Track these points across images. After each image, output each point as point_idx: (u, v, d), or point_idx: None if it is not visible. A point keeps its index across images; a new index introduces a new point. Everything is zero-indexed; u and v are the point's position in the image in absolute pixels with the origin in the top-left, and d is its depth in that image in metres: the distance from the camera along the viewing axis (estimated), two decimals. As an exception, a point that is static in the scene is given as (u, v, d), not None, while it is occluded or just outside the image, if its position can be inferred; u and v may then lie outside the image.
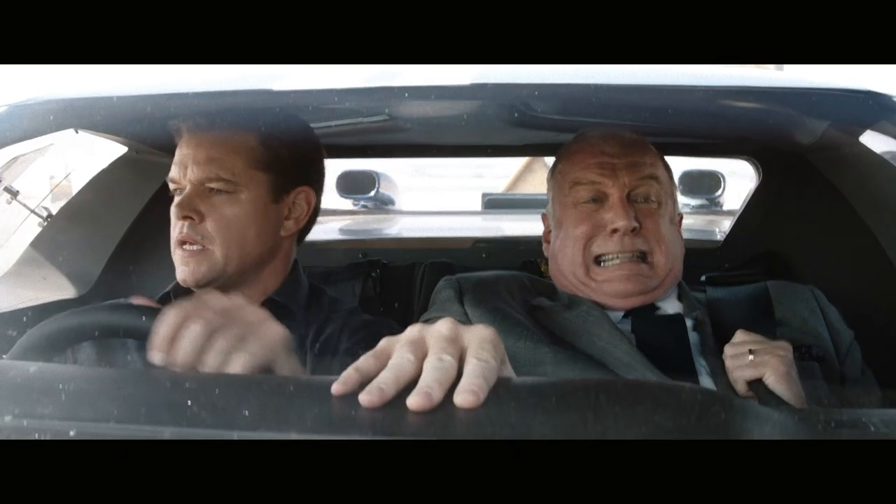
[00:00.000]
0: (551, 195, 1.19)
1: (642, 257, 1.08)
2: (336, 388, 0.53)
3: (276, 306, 1.09)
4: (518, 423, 0.49)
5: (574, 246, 1.11)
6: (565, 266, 1.13)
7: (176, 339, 0.72)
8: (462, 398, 0.51)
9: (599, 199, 1.10)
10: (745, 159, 1.70)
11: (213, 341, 0.72)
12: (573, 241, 1.11)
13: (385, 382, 0.52)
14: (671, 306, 1.12)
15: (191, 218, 1.06)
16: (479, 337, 0.56)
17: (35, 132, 1.13)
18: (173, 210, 1.08)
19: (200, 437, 0.48)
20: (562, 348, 1.04)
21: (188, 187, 1.08)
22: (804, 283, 1.40)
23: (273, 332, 0.76)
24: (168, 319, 0.73)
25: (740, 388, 0.94)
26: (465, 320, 1.09)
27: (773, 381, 0.90)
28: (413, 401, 0.50)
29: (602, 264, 1.09)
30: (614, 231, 1.07)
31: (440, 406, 0.52)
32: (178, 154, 1.09)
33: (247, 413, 0.51)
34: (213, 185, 1.07)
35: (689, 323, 1.09)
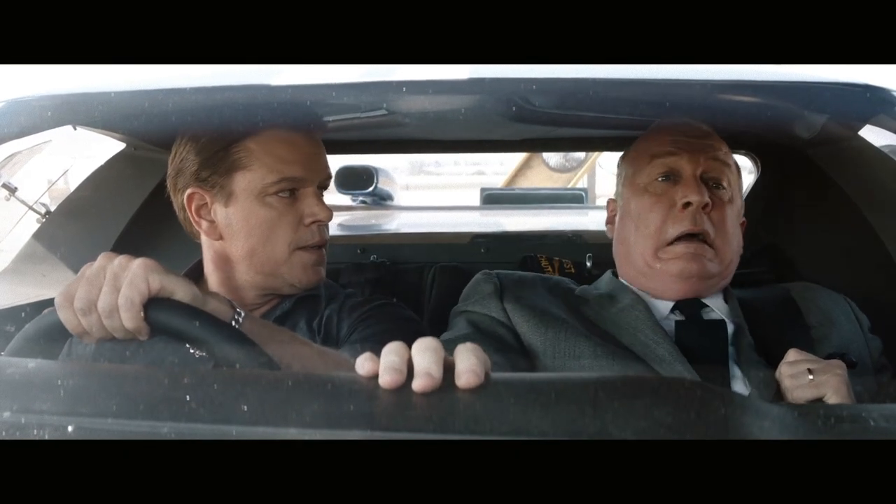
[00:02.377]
0: (622, 177, 1.19)
1: (709, 241, 1.08)
2: (387, 380, 0.55)
3: (307, 300, 1.12)
4: (517, 419, 0.49)
5: (647, 227, 1.10)
6: (633, 247, 1.13)
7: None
8: (465, 379, 0.53)
9: (672, 177, 1.10)
10: (744, 154, 1.70)
11: (99, 306, 0.78)
12: (646, 222, 1.11)
13: (429, 367, 0.55)
14: (717, 307, 1.12)
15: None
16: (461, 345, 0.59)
17: (32, 128, 1.12)
18: (318, 213, 1.09)
19: (199, 432, 0.48)
20: (602, 341, 1.05)
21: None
22: (804, 277, 1.41)
23: (138, 267, 0.79)
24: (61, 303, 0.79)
25: None
26: (503, 316, 1.10)
27: (834, 402, 0.89)
28: (417, 383, 0.53)
29: (671, 245, 1.08)
30: (686, 205, 1.07)
31: (439, 401, 0.52)
32: (298, 152, 1.08)
33: (245, 408, 0.51)
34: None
35: (731, 328, 1.08)
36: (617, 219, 1.19)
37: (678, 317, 1.10)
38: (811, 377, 0.90)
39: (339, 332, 1.08)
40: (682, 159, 1.10)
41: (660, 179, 1.11)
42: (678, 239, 1.08)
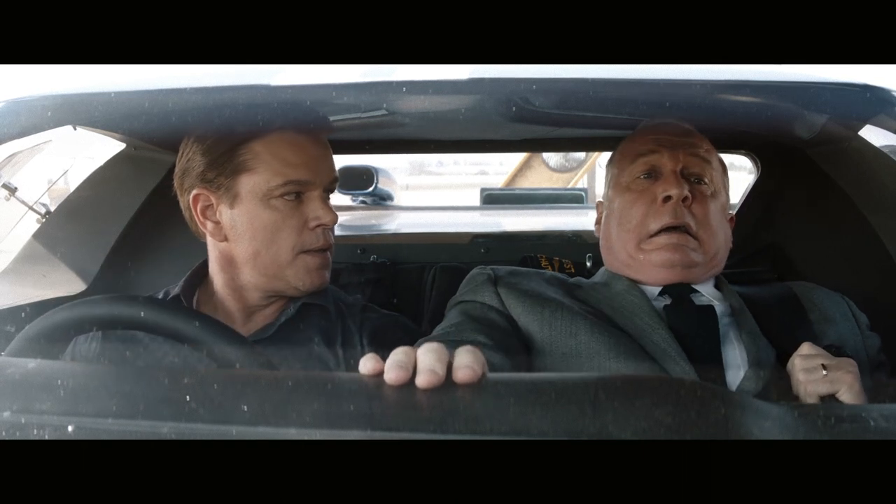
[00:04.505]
0: (608, 179, 1.22)
1: (692, 232, 1.09)
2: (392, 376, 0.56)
3: (313, 307, 1.12)
4: (517, 419, 0.49)
5: (629, 222, 1.13)
6: (616, 241, 1.15)
7: None
8: (462, 374, 0.56)
9: (654, 174, 1.13)
10: (744, 154, 1.70)
11: None
12: (628, 218, 1.13)
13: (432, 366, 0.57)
14: (707, 293, 1.12)
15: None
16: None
17: (32, 128, 1.12)
18: (323, 217, 1.10)
19: (199, 432, 0.48)
20: (598, 320, 1.06)
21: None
22: (804, 277, 1.41)
23: None
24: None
25: (810, 401, 0.91)
26: (497, 302, 1.11)
27: (847, 399, 0.89)
28: (421, 379, 0.55)
29: (653, 237, 1.10)
30: (666, 199, 1.09)
31: (439, 401, 0.52)
32: (304, 154, 1.09)
33: (245, 409, 0.51)
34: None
35: (721, 308, 1.09)
36: (603, 219, 1.22)
37: (667, 300, 1.10)
38: (825, 373, 0.90)
39: (359, 346, 1.09)
40: (663, 156, 1.12)
41: (642, 177, 1.13)
42: (660, 231, 1.10)
